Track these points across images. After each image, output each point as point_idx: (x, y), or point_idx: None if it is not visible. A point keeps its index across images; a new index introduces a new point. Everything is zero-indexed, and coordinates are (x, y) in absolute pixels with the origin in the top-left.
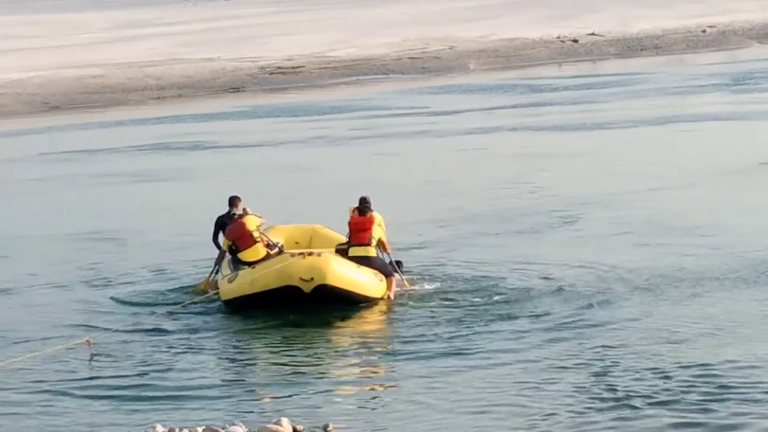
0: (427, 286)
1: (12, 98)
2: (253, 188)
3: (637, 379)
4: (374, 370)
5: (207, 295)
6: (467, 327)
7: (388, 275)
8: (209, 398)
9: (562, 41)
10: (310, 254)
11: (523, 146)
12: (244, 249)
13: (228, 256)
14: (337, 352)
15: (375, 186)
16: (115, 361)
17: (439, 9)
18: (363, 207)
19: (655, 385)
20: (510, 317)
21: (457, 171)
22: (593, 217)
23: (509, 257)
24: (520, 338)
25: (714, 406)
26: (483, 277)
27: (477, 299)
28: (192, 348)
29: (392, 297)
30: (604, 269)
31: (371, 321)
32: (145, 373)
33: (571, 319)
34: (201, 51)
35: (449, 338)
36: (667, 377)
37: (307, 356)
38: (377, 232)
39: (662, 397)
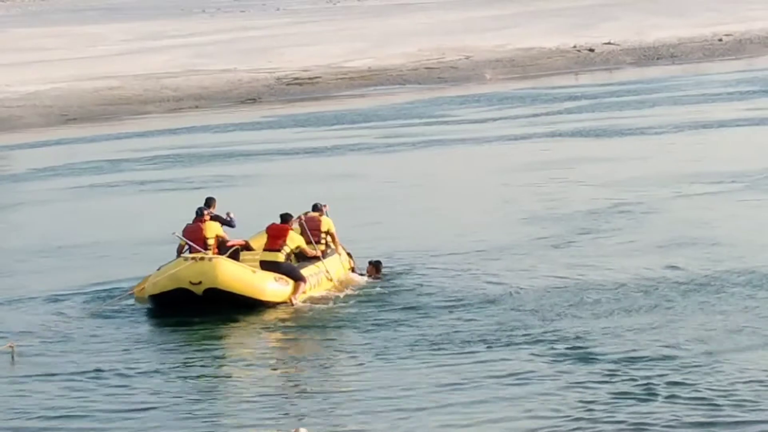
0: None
1: (29, 110)
2: (270, 196)
3: (642, 382)
4: (384, 375)
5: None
6: (469, 334)
7: (296, 280)
8: (223, 406)
9: (579, 50)
10: (201, 259)
11: (543, 154)
12: (194, 253)
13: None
14: (341, 357)
15: (395, 193)
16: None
17: (456, 19)
18: (286, 216)
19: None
20: (498, 319)
21: (476, 179)
22: (611, 227)
23: (517, 265)
24: (522, 340)
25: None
26: (480, 281)
27: (468, 306)
28: (199, 351)
29: (295, 301)
30: (620, 278)
31: (367, 325)
32: (153, 378)
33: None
34: (218, 62)
35: (454, 343)
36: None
37: (311, 364)
38: (293, 241)
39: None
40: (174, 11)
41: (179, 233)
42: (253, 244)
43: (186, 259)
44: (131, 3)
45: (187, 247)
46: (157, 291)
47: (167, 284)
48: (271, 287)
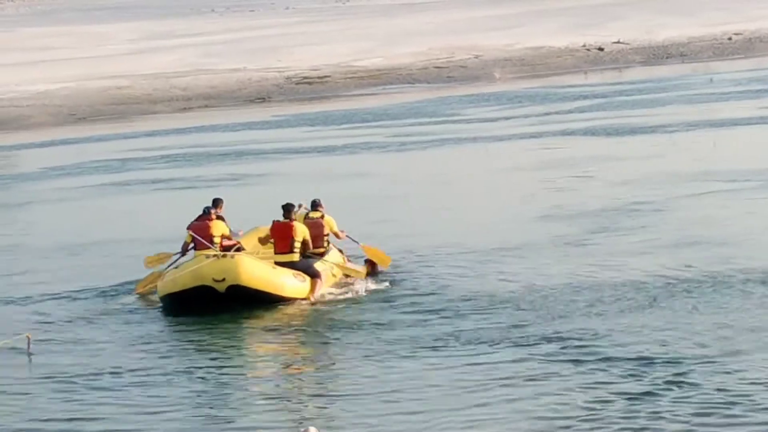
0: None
1: (39, 110)
2: (280, 194)
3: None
4: (394, 375)
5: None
6: (479, 334)
7: (312, 276)
8: (232, 406)
9: (588, 49)
10: (224, 256)
11: (554, 154)
12: (199, 249)
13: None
14: (351, 358)
15: (406, 192)
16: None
17: (465, 18)
18: (287, 212)
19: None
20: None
21: (487, 178)
22: (622, 226)
23: (519, 266)
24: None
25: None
26: (490, 280)
27: (480, 306)
28: (207, 352)
29: (314, 298)
30: (632, 277)
31: (378, 325)
32: (160, 379)
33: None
34: (227, 61)
35: (465, 343)
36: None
37: (320, 364)
38: (299, 234)
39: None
40: (183, 10)
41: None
42: (244, 243)
43: (207, 256)
44: (140, 2)
45: (192, 244)
46: (177, 289)
47: (189, 282)
48: (292, 284)
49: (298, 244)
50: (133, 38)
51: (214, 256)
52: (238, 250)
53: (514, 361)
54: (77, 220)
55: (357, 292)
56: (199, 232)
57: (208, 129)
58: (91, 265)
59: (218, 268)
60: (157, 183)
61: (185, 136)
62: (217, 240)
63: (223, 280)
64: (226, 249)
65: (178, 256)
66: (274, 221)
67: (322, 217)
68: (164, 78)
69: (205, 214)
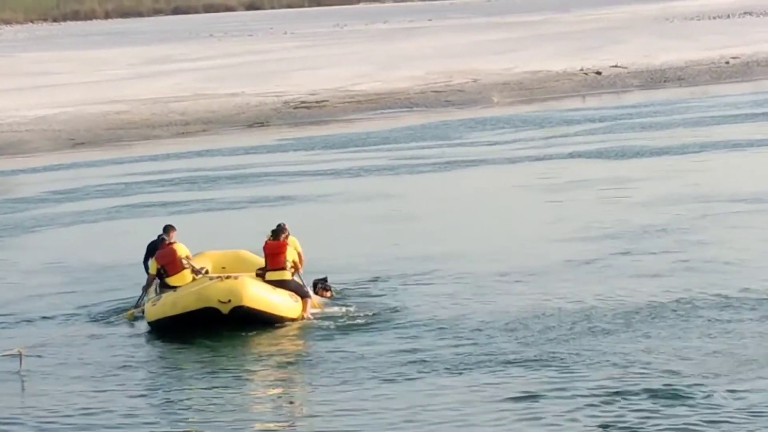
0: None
1: (38, 135)
2: (277, 218)
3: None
4: (385, 399)
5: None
6: (467, 356)
7: (303, 296)
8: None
9: (586, 73)
10: (227, 277)
11: (554, 177)
12: (173, 274)
13: (156, 280)
14: (343, 380)
15: (404, 215)
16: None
17: (463, 42)
18: (277, 232)
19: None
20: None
21: (485, 201)
22: (622, 248)
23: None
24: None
25: None
26: (484, 304)
27: (468, 328)
28: (198, 374)
29: (307, 317)
30: (628, 302)
31: (365, 347)
32: (144, 407)
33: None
34: (225, 86)
35: (457, 366)
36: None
37: (313, 389)
38: (291, 254)
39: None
40: (181, 35)
41: (189, 259)
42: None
43: (212, 278)
44: (138, 27)
45: (157, 274)
46: (178, 311)
47: (192, 303)
48: (289, 305)
49: (289, 264)
50: (131, 63)
51: (218, 277)
52: (206, 273)
53: (502, 387)
54: (77, 244)
55: (346, 315)
56: (166, 259)
57: (206, 153)
58: (87, 288)
59: (223, 289)
60: (155, 207)
61: (184, 161)
62: (185, 262)
63: (229, 301)
64: (195, 272)
65: (143, 294)
66: (266, 241)
67: (287, 236)
68: (163, 103)
69: (163, 242)
